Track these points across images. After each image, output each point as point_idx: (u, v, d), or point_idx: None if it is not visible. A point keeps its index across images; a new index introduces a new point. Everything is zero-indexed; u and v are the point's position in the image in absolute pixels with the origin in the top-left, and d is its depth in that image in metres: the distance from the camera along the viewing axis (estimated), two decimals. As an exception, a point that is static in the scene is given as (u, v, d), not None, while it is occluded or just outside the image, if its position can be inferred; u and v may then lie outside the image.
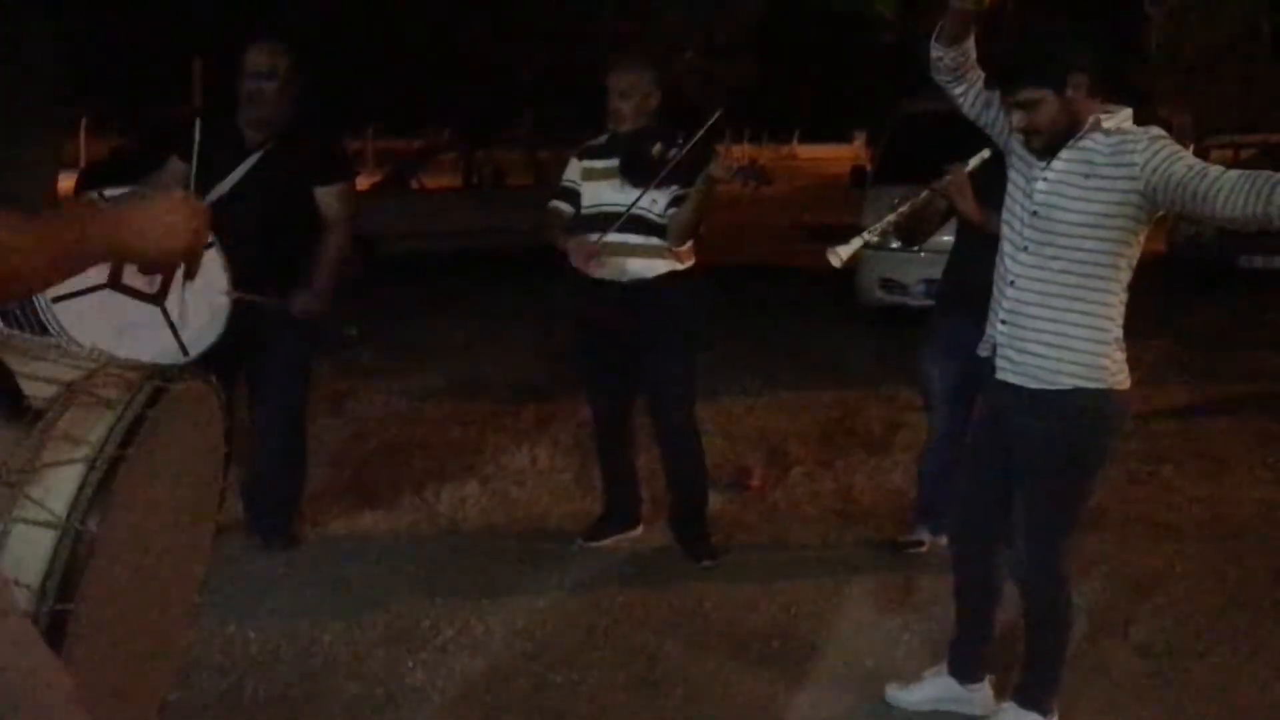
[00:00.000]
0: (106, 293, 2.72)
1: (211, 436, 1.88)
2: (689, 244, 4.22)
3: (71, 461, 1.53)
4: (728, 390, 6.79)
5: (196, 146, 4.05)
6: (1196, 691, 3.43)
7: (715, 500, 4.84)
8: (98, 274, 2.63)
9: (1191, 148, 12.55)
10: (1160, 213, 2.84)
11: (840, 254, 3.46)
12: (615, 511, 4.57)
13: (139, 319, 3.34)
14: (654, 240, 4.14)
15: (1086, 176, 2.84)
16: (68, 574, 1.49)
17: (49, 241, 1.42)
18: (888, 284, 8.75)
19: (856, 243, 3.48)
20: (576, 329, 4.53)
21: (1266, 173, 2.59)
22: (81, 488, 1.51)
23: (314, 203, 4.19)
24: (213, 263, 3.66)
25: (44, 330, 3.21)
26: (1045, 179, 2.90)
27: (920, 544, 4.44)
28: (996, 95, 2.98)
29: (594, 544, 4.48)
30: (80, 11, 8.18)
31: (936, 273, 4.62)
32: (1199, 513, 4.97)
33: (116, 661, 1.73)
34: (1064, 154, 2.88)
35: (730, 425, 6.14)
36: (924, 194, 3.71)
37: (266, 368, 4.25)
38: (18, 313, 3.15)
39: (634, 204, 4.08)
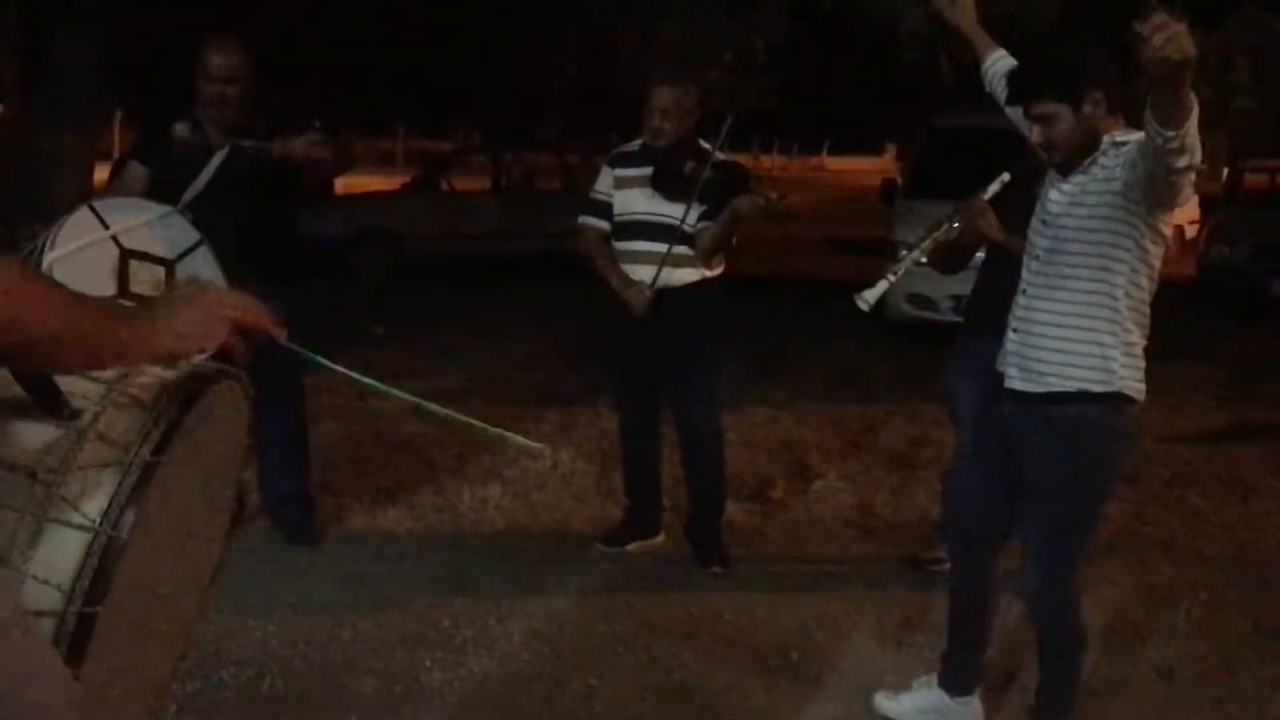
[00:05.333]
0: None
1: (236, 432, 1.87)
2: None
3: (107, 465, 1.50)
4: (752, 401, 6.77)
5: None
6: (1219, 717, 3.40)
7: (736, 511, 4.83)
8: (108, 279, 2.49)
9: (1225, 171, 12.49)
10: (1164, 208, 2.77)
11: (867, 298, 3.50)
12: (637, 518, 4.57)
13: None
14: (683, 249, 4.16)
15: (1086, 188, 2.85)
16: (98, 577, 1.46)
17: (91, 332, 1.40)
18: (915, 299, 8.71)
19: (883, 285, 3.50)
20: (608, 334, 4.54)
21: None
22: (116, 493, 1.49)
23: (286, 187, 4.22)
24: (206, 261, 3.70)
25: None
26: (1061, 190, 2.93)
27: (942, 561, 4.40)
28: None
29: (614, 549, 4.48)
30: (120, 4, 8.22)
31: (965, 289, 4.58)
32: (1224, 538, 4.93)
33: (132, 653, 1.72)
34: (1079, 170, 2.88)
35: (753, 436, 6.13)
36: (944, 226, 3.70)
37: (267, 364, 4.26)
38: None
39: (682, 220, 4.12)
